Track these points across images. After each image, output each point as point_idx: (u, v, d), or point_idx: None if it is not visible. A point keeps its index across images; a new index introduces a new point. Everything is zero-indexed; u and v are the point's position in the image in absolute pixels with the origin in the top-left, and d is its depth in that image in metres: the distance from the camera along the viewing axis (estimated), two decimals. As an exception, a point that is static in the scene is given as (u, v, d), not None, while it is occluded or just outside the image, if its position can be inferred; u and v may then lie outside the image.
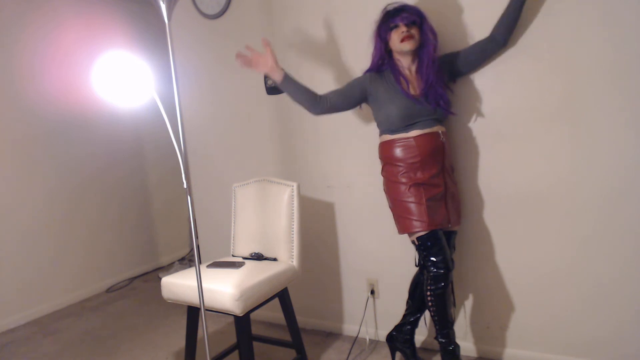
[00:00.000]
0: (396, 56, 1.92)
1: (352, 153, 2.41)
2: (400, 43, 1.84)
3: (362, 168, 2.39)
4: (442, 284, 1.85)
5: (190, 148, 3.00)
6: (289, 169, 2.63)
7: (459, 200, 2.05)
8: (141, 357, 2.57)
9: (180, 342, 2.66)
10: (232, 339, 2.59)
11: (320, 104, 1.98)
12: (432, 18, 1.94)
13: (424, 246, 1.88)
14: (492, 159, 2.07)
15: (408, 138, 1.88)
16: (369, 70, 1.99)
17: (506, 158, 2.04)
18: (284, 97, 2.58)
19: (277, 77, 1.93)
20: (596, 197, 1.89)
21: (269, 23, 2.55)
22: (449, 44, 2.03)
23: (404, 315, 2.13)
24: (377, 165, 2.32)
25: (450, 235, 2.00)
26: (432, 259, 1.86)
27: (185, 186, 1.61)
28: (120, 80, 1.60)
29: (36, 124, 3.33)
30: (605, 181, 1.87)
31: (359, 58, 2.30)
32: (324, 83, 2.44)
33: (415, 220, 1.87)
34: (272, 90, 2.59)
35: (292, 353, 2.30)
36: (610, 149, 1.84)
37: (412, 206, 1.87)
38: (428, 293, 1.88)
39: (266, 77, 2.59)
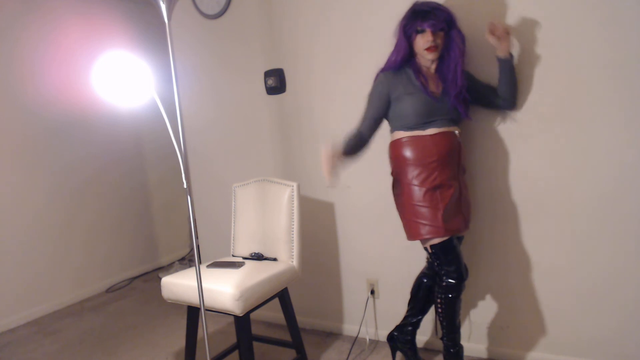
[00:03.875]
0: (417, 55, 1.85)
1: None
2: (424, 50, 1.78)
3: (362, 168, 2.39)
4: (454, 293, 1.83)
5: (190, 148, 2.99)
6: (289, 169, 2.63)
7: (470, 204, 1.96)
8: (141, 357, 2.57)
9: (180, 342, 2.66)
10: (232, 339, 2.59)
11: (365, 142, 1.89)
12: (464, 18, 1.89)
13: (437, 254, 1.83)
14: (492, 159, 2.07)
15: (424, 136, 1.80)
16: (384, 69, 1.89)
17: (506, 158, 2.03)
18: (284, 97, 2.58)
19: (340, 162, 1.82)
20: (593, 196, 1.89)
21: (269, 23, 2.55)
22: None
23: (406, 317, 2.11)
24: (377, 166, 2.32)
25: (459, 240, 1.94)
26: (446, 268, 1.82)
27: (185, 186, 1.61)
28: (120, 80, 1.60)
29: (36, 124, 3.33)
30: (603, 181, 1.86)
31: (360, 55, 2.31)
32: (325, 81, 2.44)
33: (430, 226, 1.78)
34: (272, 90, 2.59)
35: (292, 353, 2.30)
36: (609, 149, 1.84)
37: (426, 211, 1.79)
38: (439, 300, 1.86)
39: (266, 77, 2.59)
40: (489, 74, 1.97)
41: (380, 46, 2.22)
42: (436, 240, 1.80)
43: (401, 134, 1.86)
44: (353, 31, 2.31)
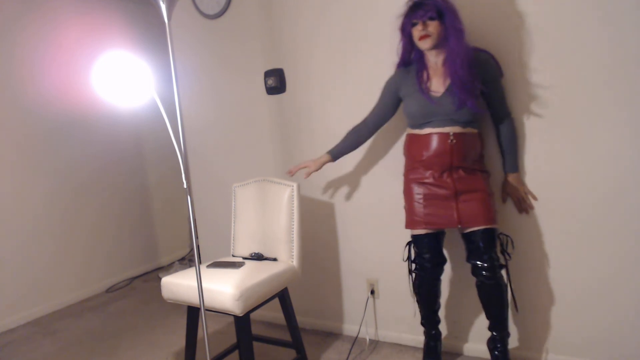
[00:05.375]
0: (424, 51, 1.87)
1: (352, 153, 2.41)
2: (418, 41, 1.81)
3: (362, 168, 2.39)
4: (424, 282, 1.99)
5: (190, 148, 3.00)
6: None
7: (485, 200, 1.87)
8: (141, 357, 2.57)
9: (180, 342, 2.66)
10: (232, 339, 2.59)
11: (364, 134, 2.11)
12: (466, 7, 1.89)
13: (414, 244, 1.99)
14: (493, 159, 2.07)
15: (419, 135, 1.91)
16: (398, 66, 1.98)
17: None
18: (284, 97, 2.58)
19: (328, 161, 2.15)
20: (595, 196, 1.89)
21: (269, 23, 2.55)
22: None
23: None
24: (378, 166, 2.33)
25: (473, 234, 1.87)
26: (419, 257, 1.98)
27: (185, 186, 1.61)
28: (120, 80, 1.60)
29: (36, 124, 3.33)
30: (604, 181, 1.87)
31: (360, 55, 2.31)
32: (325, 81, 2.44)
33: (412, 217, 1.94)
34: (272, 90, 2.59)
35: (292, 353, 2.30)
36: (609, 149, 1.84)
37: (412, 203, 1.95)
38: (414, 283, 2.04)
39: (266, 77, 2.59)
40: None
41: (380, 46, 2.23)
42: (415, 232, 1.96)
43: (408, 131, 2.00)
44: (353, 31, 2.31)
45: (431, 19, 1.76)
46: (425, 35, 1.77)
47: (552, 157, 1.95)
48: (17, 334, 3.05)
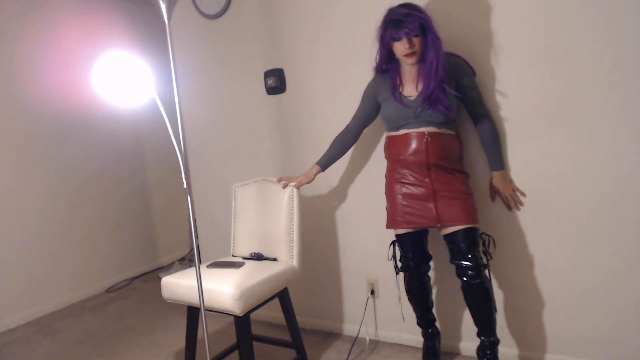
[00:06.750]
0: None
1: (352, 153, 2.41)
2: (403, 57, 1.82)
3: (362, 168, 2.39)
4: (411, 281, 2.04)
5: (190, 148, 3.00)
6: (289, 169, 2.63)
7: (464, 199, 1.88)
8: (141, 357, 2.57)
9: (180, 342, 2.67)
10: (232, 339, 2.59)
11: (349, 140, 2.17)
12: (440, 19, 1.90)
13: (397, 242, 2.04)
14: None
15: (396, 136, 1.95)
16: (375, 71, 2.02)
17: (506, 158, 2.04)
18: (284, 97, 2.59)
19: (318, 172, 2.19)
20: (594, 196, 1.89)
21: (269, 23, 2.56)
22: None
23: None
24: (377, 165, 2.33)
25: (454, 235, 1.87)
26: (403, 256, 2.03)
27: (185, 186, 1.61)
28: (120, 80, 1.60)
29: (36, 124, 3.33)
30: (603, 180, 1.87)
31: (360, 55, 2.31)
32: (325, 81, 2.44)
33: (393, 217, 1.98)
34: (272, 90, 2.59)
35: (292, 353, 2.30)
36: (608, 148, 1.84)
37: (393, 203, 1.98)
38: (404, 282, 2.08)
39: (266, 77, 2.59)
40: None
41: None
42: (397, 231, 2.00)
43: (386, 133, 2.05)
44: (353, 31, 2.31)
45: (416, 36, 1.77)
46: (413, 52, 1.79)
47: (549, 157, 1.95)
48: (17, 334, 3.05)
